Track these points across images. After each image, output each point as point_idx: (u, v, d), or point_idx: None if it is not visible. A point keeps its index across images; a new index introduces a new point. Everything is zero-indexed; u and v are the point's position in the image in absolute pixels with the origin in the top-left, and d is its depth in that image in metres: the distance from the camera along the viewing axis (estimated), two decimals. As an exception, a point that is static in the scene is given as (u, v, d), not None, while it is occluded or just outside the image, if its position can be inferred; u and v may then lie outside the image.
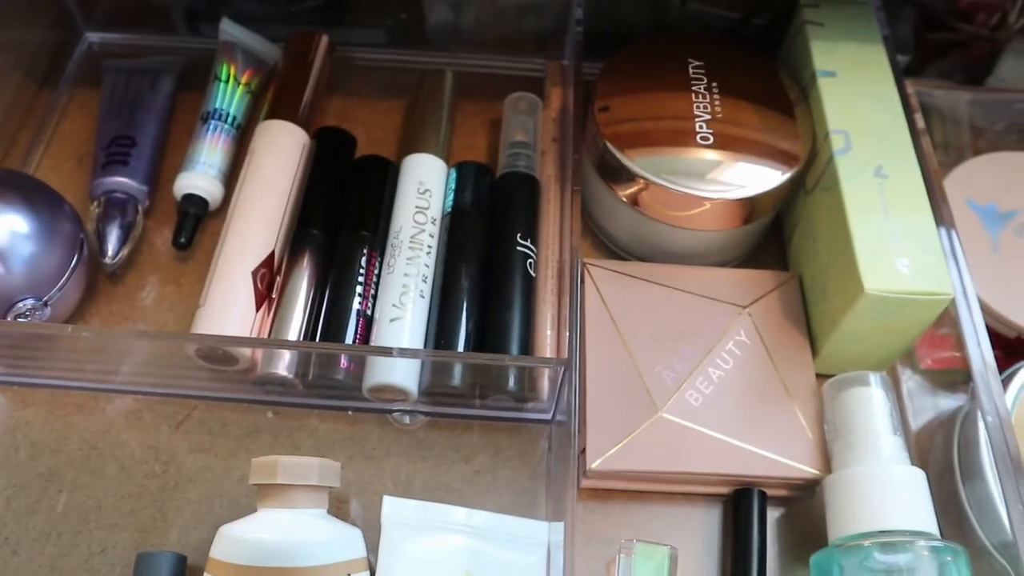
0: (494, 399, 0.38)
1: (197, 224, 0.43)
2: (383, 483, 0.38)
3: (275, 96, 0.45)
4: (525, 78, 0.50)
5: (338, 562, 0.32)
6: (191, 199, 0.43)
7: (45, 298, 0.37)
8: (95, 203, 0.42)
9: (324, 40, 0.48)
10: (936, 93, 0.44)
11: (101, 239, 0.41)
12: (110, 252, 0.41)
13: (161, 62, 0.48)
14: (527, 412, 0.39)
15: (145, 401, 0.40)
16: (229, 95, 0.46)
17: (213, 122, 0.44)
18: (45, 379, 0.40)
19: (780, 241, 0.45)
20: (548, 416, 0.39)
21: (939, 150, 0.45)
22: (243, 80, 0.47)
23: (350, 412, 0.39)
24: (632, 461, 0.36)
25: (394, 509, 0.34)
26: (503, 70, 0.51)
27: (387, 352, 0.36)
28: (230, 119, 0.45)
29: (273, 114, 0.44)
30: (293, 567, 0.31)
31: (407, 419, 0.39)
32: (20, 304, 0.37)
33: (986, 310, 0.38)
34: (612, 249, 0.44)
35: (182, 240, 0.42)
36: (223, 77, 0.46)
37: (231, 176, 0.45)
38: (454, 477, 0.38)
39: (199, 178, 0.43)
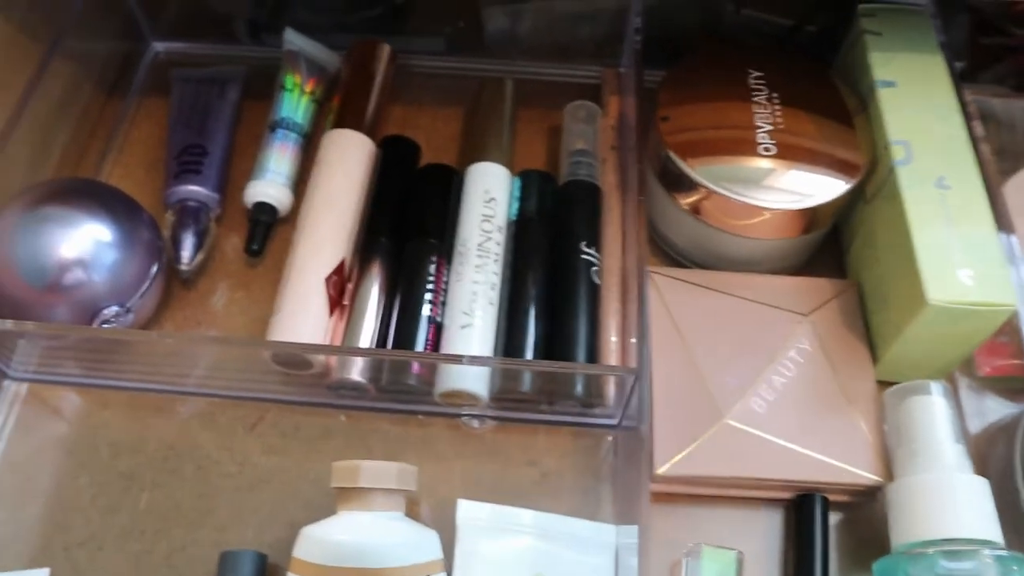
0: (561, 404, 0.39)
1: (268, 231, 0.44)
2: (452, 485, 0.39)
3: (340, 105, 0.46)
4: (582, 85, 0.51)
5: (417, 563, 0.33)
6: (262, 207, 0.44)
7: (128, 304, 0.39)
8: (169, 211, 0.44)
9: (386, 48, 0.49)
10: (993, 101, 0.45)
11: (177, 246, 0.42)
12: (186, 259, 0.42)
13: (226, 72, 0.50)
14: (593, 417, 0.40)
15: (219, 404, 0.41)
16: (295, 104, 0.47)
17: (280, 131, 0.46)
18: (123, 381, 0.41)
19: (838, 249, 0.45)
20: (614, 421, 0.40)
21: (996, 157, 0.46)
22: (307, 89, 0.48)
23: (420, 416, 0.40)
24: (698, 466, 0.36)
25: (469, 512, 0.35)
26: (560, 77, 0.52)
27: (457, 360, 0.37)
28: (297, 128, 0.46)
29: (339, 123, 0.45)
30: (374, 568, 0.32)
31: (476, 423, 0.40)
32: (106, 311, 0.38)
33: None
34: (673, 256, 0.45)
35: (255, 247, 0.43)
36: (288, 87, 0.47)
37: (299, 184, 0.46)
38: (521, 480, 0.39)
39: (269, 186, 0.44)
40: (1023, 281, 0.36)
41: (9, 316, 0.38)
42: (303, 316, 0.39)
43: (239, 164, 0.48)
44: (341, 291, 0.40)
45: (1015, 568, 0.32)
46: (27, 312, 0.38)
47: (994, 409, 0.41)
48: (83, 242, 0.38)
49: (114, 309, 0.38)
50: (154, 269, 0.40)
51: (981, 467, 0.38)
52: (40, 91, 0.43)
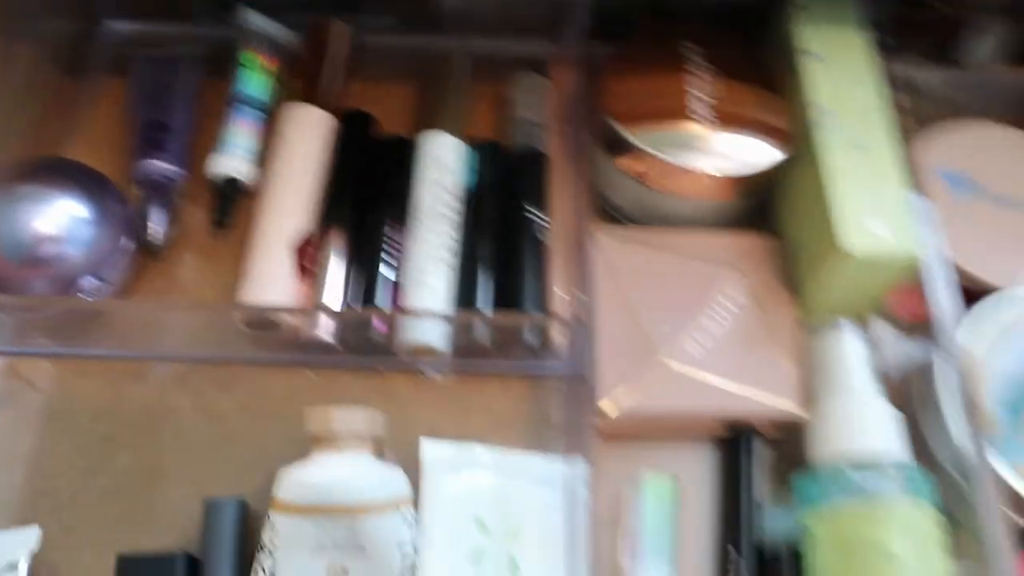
0: (514, 354, 0.42)
1: (233, 204, 0.46)
2: (415, 431, 0.41)
3: (298, 81, 0.48)
4: (531, 60, 0.54)
5: (387, 499, 0.36)
6: (227, 180, 0.46)
7: (104, 276, 0.41)
8: (136, 186, 0.46)
9: (341, 26, 0.51)
10: (914, 73, 0.48)
11: (147, 219, 0.44)
12: (157, 231, 0.44)
13: (185, 49, 0.51)
14: (542, 366, 0.43)
15: (192, 367, 0.43)
16: (254, 80, 0.49)
17: (240, 105, 0.48)
18: (99, 350, 0.43)
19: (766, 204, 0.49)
20: (561, 368, 0.43)
21: (918, 125, 0.49)
22: (266, 66, 0.50)
23: (384, 370, 0.43)
24: (636, 403, 0.40)
25: (431, 451, 0.39)
26: (511, 52, 0.54)
27: (417, 314, 0.40)
28: (257, 103, 0.48)
29: (297, 98, 0.47)
30: (348, 504, 0.35)
31: (437, 374, 0.43)
32: (84, 283, 0.40)
33: (956, 270, 0.43)
34: (619, 219, 0.48)
35: (222, 219, 0.45)
36: (246, 63, 0.49)
37: (261, 157, 0.48)
38: (479, 423, 0.42)
39: (232, 159, 0.46)
40: (928, 235, 0.41)
41: (-11, 289, 0.40)
42: (273, 282, 0.41)
43: (201, 141, 0.49)
44: (309, 259, 0.43)
45: (913, 477, 0.36)
46: (6, 286, 0.39)
47: (905, 350, 0.45)
48: (59, 217, 0.40)
49: (92, 281, 0.40)
50: (127, 241, 0.42)
51: (901, 403, 0.43)
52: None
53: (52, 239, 0.39)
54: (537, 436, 0.42)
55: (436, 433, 0.42)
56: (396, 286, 0.42)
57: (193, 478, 0.41)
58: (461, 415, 0.42)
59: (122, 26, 0.55)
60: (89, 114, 0.51)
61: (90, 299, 0.41)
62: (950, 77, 0.50)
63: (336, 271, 0.43)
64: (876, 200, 0.40)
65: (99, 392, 0.43)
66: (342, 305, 0.42)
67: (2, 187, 0.40)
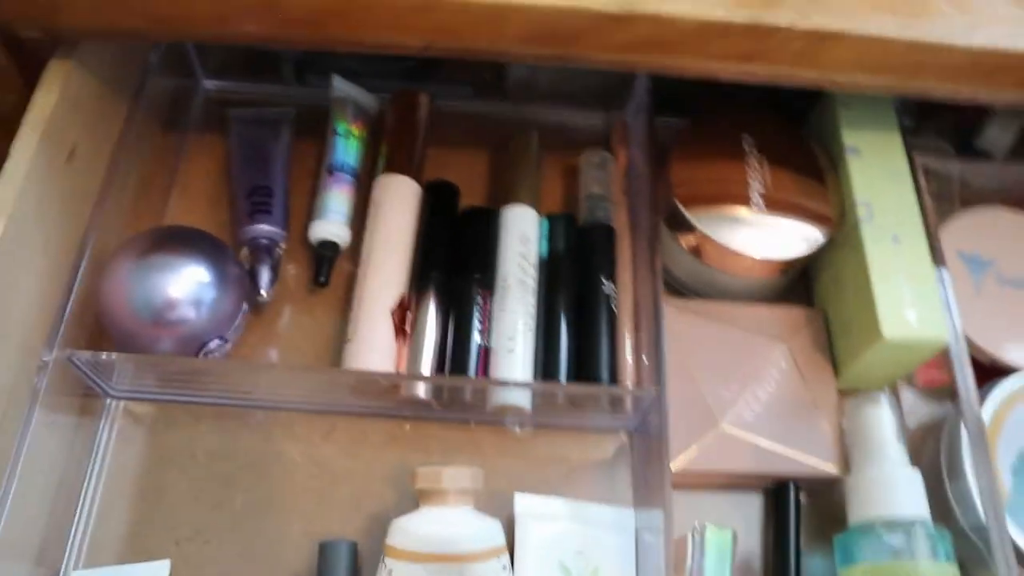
0: (589, 412, 0.47)
1: (332, 264, 0.51)
2: (498, 481, 0.47)
3: (389, 151, 0.53)
4: (591, 129, 0.59)
5: (488, 548, 0.41)
6: (326, 244, 0.50)
7: (226, 336, 0.45)
8: (244, 247, 0.50)
9: (425, 98, 0.55)
10: (935, 162, 0.54)
11: (255, 279, 0.49)
12: (264, 290, 0.49)
13: (278, 112, 0.55)
14: (616, 422, 0.48)
15: (296, 416, 0.48)
16: (347, 148, 0.53)
17: (337, 173, 0.52)
18: (210, 398, 0.48)
19: (807, 277, 0.55)
20: (631, 426, 0.48)
21: (935, 201, 0.55)
22: (356, 132, 0.54)
23: (472, 423, 0.48)
24: (701, 463, 0.46)
25: (523, 503, 0.44)
26: (573, 121, 0.59)
27: (505, 384, 0.45)
28: (350, 169, 0.53)
29: (390, 168, 0.52)
30: (455, 553, 0.40)
31: (518, 428, 0.48)
32: (210, 344, 0.44)
33: (968, 343, 0.49)
34: (673, 286, 0.54)
35: (322, 279, 0.50)
36: (341, 132, 0.53)
37: (353, 219, 0.52)
38: (556, 473, 0.48)
39: (332, 224, 0.51)
40: (953, 321, 0.46)
41: (122, 345, 0.44)
42: (375, 344, 0.46)
43: (294, 199, 0.54)
44: (403, 320, 0.47)
45: (937, 539, 0.42)
46: (137, 341, 0.44)
47: (927, 412, 0.51)
48: (187, 284, 0.44)
49: (217, 341, 0.45)
50: (244, 301, 0.46)
51: (915, 458, 0.49)
52: (128, 138, 0.49)
53: (181, 304, 0.43)
54: (609, 486, 0.47)
55: (517, 482, 0.47)
56: (485, 351, 0.47)
57: (303, 518, 0.46)
58: (539, 466, 0.48)
59: (218, 84, 0.59)
60: (188, 171, 0.55)
61: (212, 357, 0.45)
62: (972, 168, 0.55)
63: (430, 334, 0.48)
64: (911, 288, 0.46)
65: (214, 435, 0.47)
66: (436, 369, 0.47)
67: (136, 255, 0.44)
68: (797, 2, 0.40)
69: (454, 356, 0.47)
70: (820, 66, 0.42)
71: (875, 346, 0.45)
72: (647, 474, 0.46)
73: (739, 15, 0.40)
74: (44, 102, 0.43)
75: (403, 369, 0.46)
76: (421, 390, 0.46)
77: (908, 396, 0.52)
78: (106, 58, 0.47)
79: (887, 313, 0.45)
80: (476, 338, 0.47)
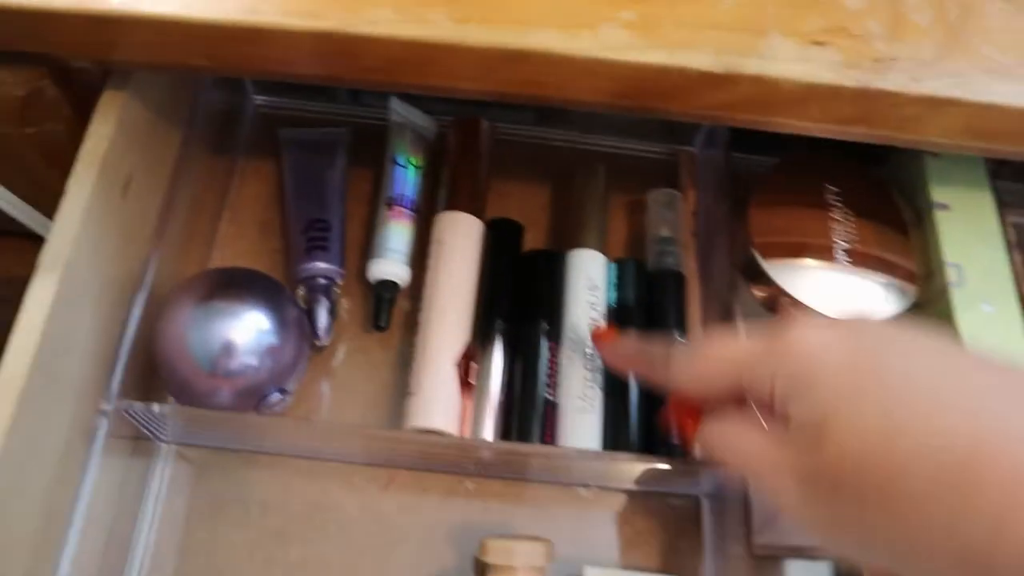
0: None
1: (392, 306, 0.49)
2: (562, 544, 0.45)
3: (452, 185, 0.50)
4: (658, 161, 0.56)
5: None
6: (386, 284, 0.48)
7: (287, 387, 0.43)
8: (300, 286, 0.48)
9: (486, 126, 0.52)
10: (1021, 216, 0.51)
11: (313, 320, 0.47)
12: (323, 333, 0.46)
13: (332, 134, 0.53)
14: (687, 488, 0.47)
15: (354, 466, 0.46)
16: (407, 178, 0.51)
17: (397, 207, 0.50)
18: (265, 446, 0.46)
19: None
20: (702, 492, 0.47)
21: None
22: (415, 161, 0.51)
23: (535, 483, 0.47)
24: (785, 535, 0.44)
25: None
26: (637, 151, 0.56)
27: (571, 456, 0.44)
28: (410, 203, 0.50)
29: (452, 203, 0.49)
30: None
31: (584, 490, 0.47)
32: (270, 397, 0.42)
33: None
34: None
35: (381, 324, 0.48)
36: (401, 162, 0.51)
37: (413, 256, 0.50)
38: (621, 539, 0.46)
39: (391, 264, 0.48)
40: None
41: (178, 393, 0.42)
42: (439, 398, 0.44)
43: (350, 230, 0.51)
44: (468, 373, 0.45)
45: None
46: (195, 392, 0.42)
47: None
48: (247, 332, 0.42)
49: (276, 395, 0.43)
50: (305, 348, 0.44)
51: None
52: (183, 165, 0.46)
53: (241, 353, 0.41)
54: (675, 554, 0.46)
55: (581, 546, 0.45)
56: (554, 407, 0.45)
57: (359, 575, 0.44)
58: (603, 530, 0.46)
59: (268, 99, 0.56)
60: (237, 192, 0.53)
61: (273, 411, 0.43)
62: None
63: (495, 388, 0.46)
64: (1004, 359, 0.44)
65: (268, 485, 0.46)
66: (501, 428, 0.45)
67: (195, 300, 0.42)
68: (910, 64, 0.37)
69: (521, 414, 0.45)
70: (925, 131, 0.40)
71: (962, 420, 0.43)
72: (723, 543, 0.44)
73: (849, 78, 0.37)
74: (100, 134, 0.41)
75: (468, 428, 0.44)
76: (485, 451, 0.44)
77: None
78: (160, 83, 0.45)
79: (977, 387, 0.43)
80: (544, 394, 0.45)
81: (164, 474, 0.45)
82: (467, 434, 0.44)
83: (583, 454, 0.43)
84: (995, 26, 0.39)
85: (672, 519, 0.47)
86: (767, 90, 0.37)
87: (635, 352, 0.40)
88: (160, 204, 0.45)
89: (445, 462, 0.46)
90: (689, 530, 0.46)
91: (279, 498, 0.45)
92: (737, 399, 0.32)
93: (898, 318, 0.47)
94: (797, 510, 0.28)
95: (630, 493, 0.47)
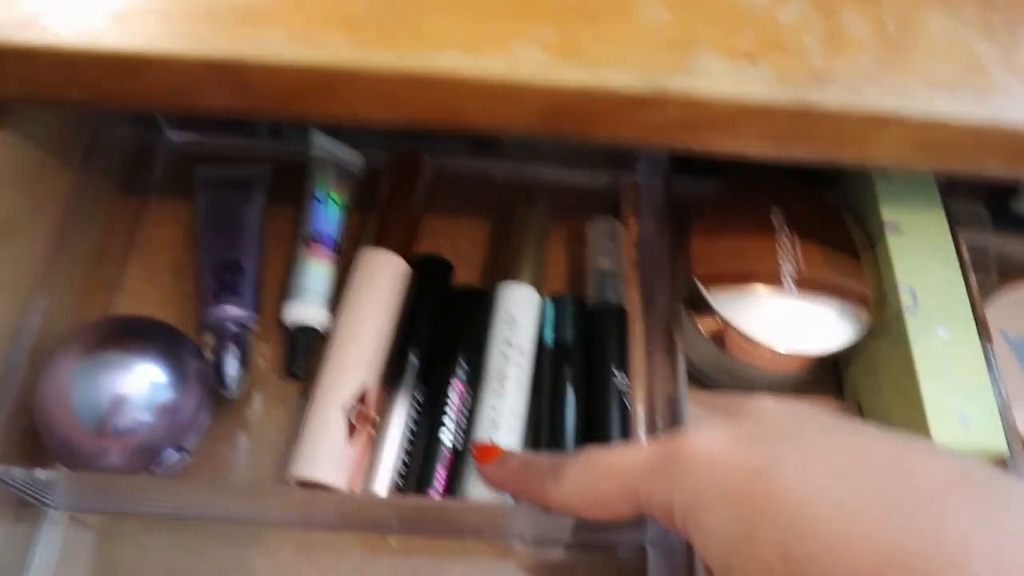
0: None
1: (308, 353, 0.45)
2: (498, 604, 0.42)
3: (380, 222, 0.47)
4: (599, 190, 0.53)
5: None
6: (303, 329, 0.45)
7: (186, 446, 0.39)
8: (208, 333, 0.44)
9: (428, 163, 0.49)
10: (975, 236, 0.49)
11: (220, 371, 0.43)
12: (232, 385, 0.43)
13: (251, 171, 0.49)
14: (627, 537, 0.43)
15: (265, 528, 0.42)
16: (328, 216, 0.47)
17: (316, 245, 0.46)
18: (163, 508, 0.42)
19: (835, 362, 0.50)
20: (652, 540, 0.43)
21: (983, 285, 0.50)
22: (336, 197, 0.48)
23: (468, 539, 0.43)
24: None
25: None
26: (580, 182, 0.54)
27: (473, 507, 0.39)
28: (330, 241, 0.47)
29: (377, 241, 0.46)
30: None
31: (519, 542, 0.43)
32: (165, 457, 0.38)
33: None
34: (689, 371, 0.48)
35: (295, 371, 0.44)
36: (320, 198, 0.48)
37: (335, 299, 0.46)
38: (561, 596, 0.42)
39: (309, 307, 0.45)
40: (1008, 423, 0.41)
41: (62, 456, 0.38)
42: (323, 445, 0.40)
43: (267, 270, 0.48)
44: (363, 418, 0.41)
45: None
46: (81, 456, 0.38)
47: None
48: (138, 385, 0.38)
49: (172, 454, 0.39)
50: (208, 402, 0.40)
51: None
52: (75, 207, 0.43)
53: (130, 408, 0.38)
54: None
55: (517, 603, 0.42)
56: (455, 453, 0.41)
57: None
58: (543, 587, 0.42)
59: (183, 136, 0.52)
60: (150, 235, 0.49)
61: (170, 471, 0.39)
62: (1010, 238, 0.50)
63: (396, 434, 0.42)
64: (962, 389, 0.41)
65: (171, 551, 0.41)
66: (399, 469, 0.41)
67: (79, 352, 0.38)
68: (849, 80, 0.35)
69: (422, 464, 0.41)
70: (868, 149, 0.37)
71: (923, 457, 0.40)
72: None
73: (784, 95, 0.34)
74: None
75: (359, 480, 0.40)
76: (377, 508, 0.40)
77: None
78: (50, 119, 0.41)
79: (938, 420, 0.40)
80: (445, 439, 0.41)
81: (54, 543, 0.41)
82: (358, 487, 0.40)
83: (483, 505, 0.39)
84: (937, 38, 0.37)
85: (617, 572, 0.43)
86: (698, 110, 0.34)
87: (522, 468, 0.37)
88: (49, 250, 0.41)
89: (365, 519, 0.42)
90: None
91: (184, 565, 0.41)
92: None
93: (850, 347, 0.44)
94: None
95: (571, 546, 0.43)
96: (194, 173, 0.50)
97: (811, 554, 0.23)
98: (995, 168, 0.39)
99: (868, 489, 0.24)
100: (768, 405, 0.30)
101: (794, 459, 0.26)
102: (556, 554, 0.43)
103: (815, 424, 0.28)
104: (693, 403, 0.44)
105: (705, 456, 0.28)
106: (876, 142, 0.37)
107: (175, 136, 0.53)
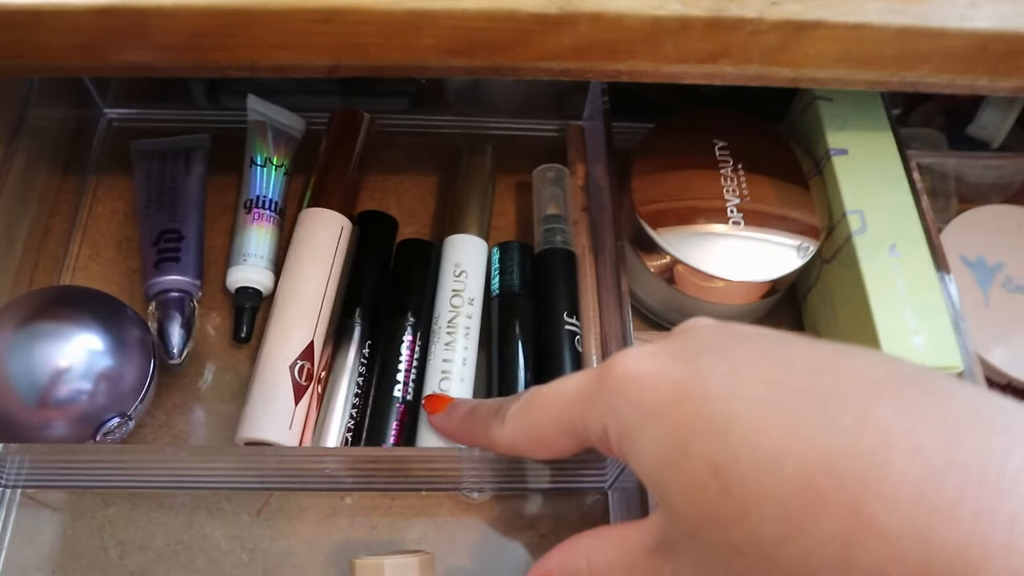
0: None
1: (254, 316, 0.44)
2: (458, 554, 0.41)
3: (318, 182, 0.46)
4: (545, 138, 0.53)
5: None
6: (245, 292, 0.44)
7: (129, 412, 0.39)
8: (152, 303, 0.44)
9: (366, 118, 0.49)
10: (930, 160, 0.48)
11: (165, 339, 0.42)
12: (176, 352, 0.42)
13: (189, 141, 0.49)
14: (584, 481, 0.42)
15: (222, 492, 0.42)
16: (268, 179, 0.47)
17: (256, 210, 0.46)
18: (122, 481, 0.42)
19: (793, 296, 0.49)
20: (606, 484, 0.42)
21: (930, 197, 0.49)
22: (276, 160, 0.48)
23: (423, 492, 0.42)
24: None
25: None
26: (524, 131, 0.53)
27: (429, 456, 0.39)
28: (271, 204, 0.46)
29: (315, 201, 0.45)
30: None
31: (475, 494, 0.42)
32: (108, 423, 0.38)
33: (982, 362, 0.43)
34: (643, 313, 0.48)
35: (242, 335, 0.44)
36: (259, 161, 0.47)
37: (278, 261, 0.46)
38: (521, 543, 0.42)
39: (251, 271, 0.44)
40: (964, 342, 0.41)
41: (3, 432, 0.38)
42: (270, 405, 0.40)
43: (209, 238, 0.48)
44: (308, 376, 0.41)
45: None
46: (23, 429, 0.37)
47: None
48: (75, 354, 0.38)
49: (115, 420, 0.38)
50: (151, 369, 0.40)
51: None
52: (4, 184, 0.42)
53: (69, 378, 0.37)
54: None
55: (477, 553, 0.41)
56: (407, 405, 0.41)
57: (230, 613, 0.40)
58: (501, 534, 0.42)
59: (121, 112, 0.52)
60: (92, 212, 0.49)
61: (112, 440, 0.39)
62: (968, 161, 0.49)
63: (343, 390, 0.41)
64: (915, 309, 0.40)
65: (127, 522, 0.41)
66: (349, 427, 0.41)
67: (15, 327, 0.38)
68: (767, -12, 0.34)
69: (372, 418, 0.41)
70: (797, 62, 0.36)
71: (877, 379, 0.39)
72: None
73: (698, 7, 0.33)
74: None
75: (308, 436, 0.40)
76: (329, 461, 0.40)
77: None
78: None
79: (891, 342, 0.39)
80: (396, 392, 0.41)
81: (8, 521, 0.41)
82: (306, 443, 0.40)
83: (438, 452, 0.39)
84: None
85: (579, 517, 0.42)
86: (610, 30, 0.34)
87: (468, 414, 0.36)
88: (-20, 229, 0.41)
89: (321, 478, 0.42)
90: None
91: (140, 535, 0.41)
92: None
93: (801, 274, 0.44)
94: None
95: (531, 493, 0.43)
96: (130, 147, 0.49)
97: (740, 466, 0.23)
98: (929, 79, 0.38)
99: (793, 394, 0.23)
100: (702, 322, 0.30)
101: (720, 371, 0.25)
102: (517, 504, 0.43)
103: (744, 335, 0.27)
104: (642, 342, 0.44)
105: (634, 376, 0.27)
106: (801, 55, 0.36)
107: (112, 113, 0.52)
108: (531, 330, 0.43)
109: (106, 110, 0.52)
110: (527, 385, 0.42)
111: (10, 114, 0.44)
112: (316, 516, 0.42)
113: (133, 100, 0.52)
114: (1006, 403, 0.22)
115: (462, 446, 0.38)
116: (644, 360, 0.27)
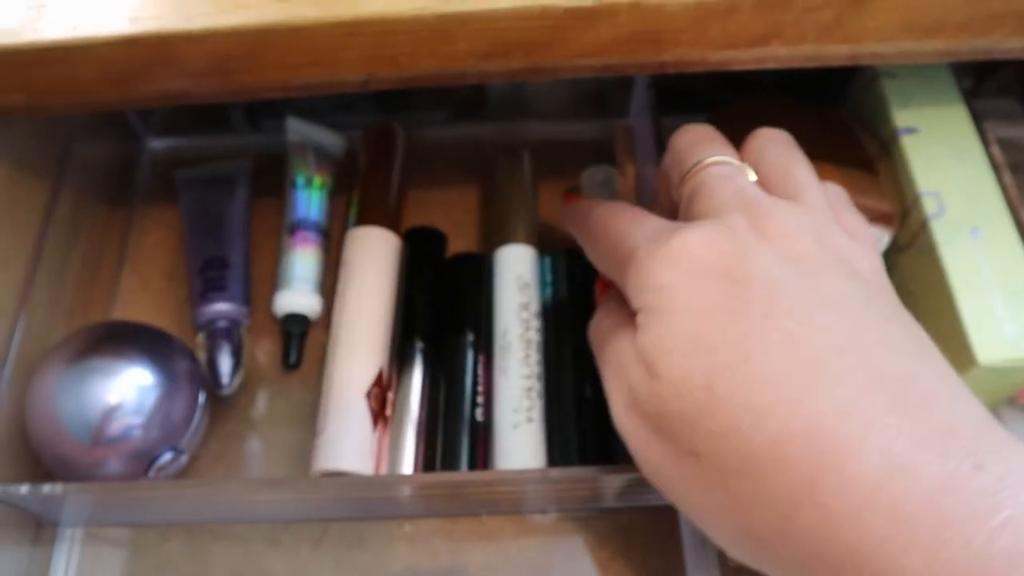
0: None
1: (303, 341, 0.44)
2: (521, 578, 0.39)
3: (362, 198, 0.45)
4: (592, 140, 0.51)
5: None
6: (293, 318, 0.43)
7: (181, 446, 0.38)
8: (200, 333, 0.43)
9: (400, 131, 0.48)
10: (1008, 131, 0.44)
11: (214, 369, 0.42)
12: (225, 383, 0.42)
13: (231, 166, 0.49)
14: (653, 499, 0.40)
15: (280, 524, 0.41)
16: (310, 200, 0.46)
17: (300, 232, 0.45)
18: (180, 515, 0.41)
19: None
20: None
21: (1010, 174, 0.46)
22: (318, 181, 0.47)
23: (484, 516, 0.41)
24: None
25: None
26: (569, 135, 0.51)
27: (511, 479, 0.37)
28: (315, 226, 0.45)
29: (362, 219, 0.44)
30: None
31: (540, 515, 0.40)
32: (161, 459, 0.38)
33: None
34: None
35: (291, 361, 0.43)
36: (301, 183, 0.46)
37: (325, 284, 0.45)
38: (590, 564, 0.40)
39: (297, 295, 0.43)
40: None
41: (60, 472, 0.38)
42: (347, 436, 0.38)
43: (257, 264, 0.47)
44: (382, 403, 0.40)
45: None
46: (78, 468, 0.37)
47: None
48: (126, 391, 0.37)
49: (168, 455, 0.38)
50: (200, 401, 0.39)
51: None
52: (53, 221, 0.42)
53: (120, 415, 0.37)
54: (652, 573, 0.39)
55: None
56: (485, 428, 0.39)
57: (293, 647, 0.39)
58: (568, 556, 0.40)
59: (164, 142, 0.52)
60: (140, 243, 0.49)
61: (165, 475, 0.38)
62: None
63: (414, 415, 0.40)
64: (1003, 295, 0.37)
65: (187, 557, 0.41)
66: (424, 461, 0.39)
67: (62, 364, 0.37)
68: (815, -39, 0.32)
69: (446, 440, 0.39)
70: (855, 37, 0.33)
71: (969, 373, 0.36)
72: (706, 554, 0.38)
73: (743, -11, 0.31)
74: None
75: (384, 464, 0.39)
76: (404, 489, 0.38)
77: (1009, 415, 0.43)
78: (21, 135, 0.41)
79: (979, 332, 0.36)
80: (474, 415, 0.40)
81: (71, 560, 0.41)
82: (383, 471, 0.38)
83: (522, 474, 0.37)
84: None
85: (650, 534, 0.40)
86: (651, 18, 0.32)
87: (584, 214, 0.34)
88: (31, 269, 0.41)
89: (381, 507, 0.40)
90: (669, 544, 0.40)
91: (200, 569, 0.40)
92: None
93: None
94: (617, 415, 0.28)
95: (598, 512, 0.41)
96: (175, 176, 0.49)
97: (733, 400, 0.24)
98: (1005, 45, 0.35)
99: (807, 360, 0.24)
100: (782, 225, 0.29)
101: (763, 296, 0.25)
102: (582, 523, 0.41)
103: (818, 288, 0.26)
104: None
105: (685, 260, 0.27)
106: (861, 29, 0.33)
107: (156, 143, 0.52)
108: (578, 338, 0.41)
109: (149, 141, 0.52)
110: (584, 398, 0.40)
111: (55, 150, 0.44)
112: (377, 544, 0.41)
113: (175, 129, 0.52)
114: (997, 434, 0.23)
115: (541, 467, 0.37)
116: (705, 245, 0.27)
